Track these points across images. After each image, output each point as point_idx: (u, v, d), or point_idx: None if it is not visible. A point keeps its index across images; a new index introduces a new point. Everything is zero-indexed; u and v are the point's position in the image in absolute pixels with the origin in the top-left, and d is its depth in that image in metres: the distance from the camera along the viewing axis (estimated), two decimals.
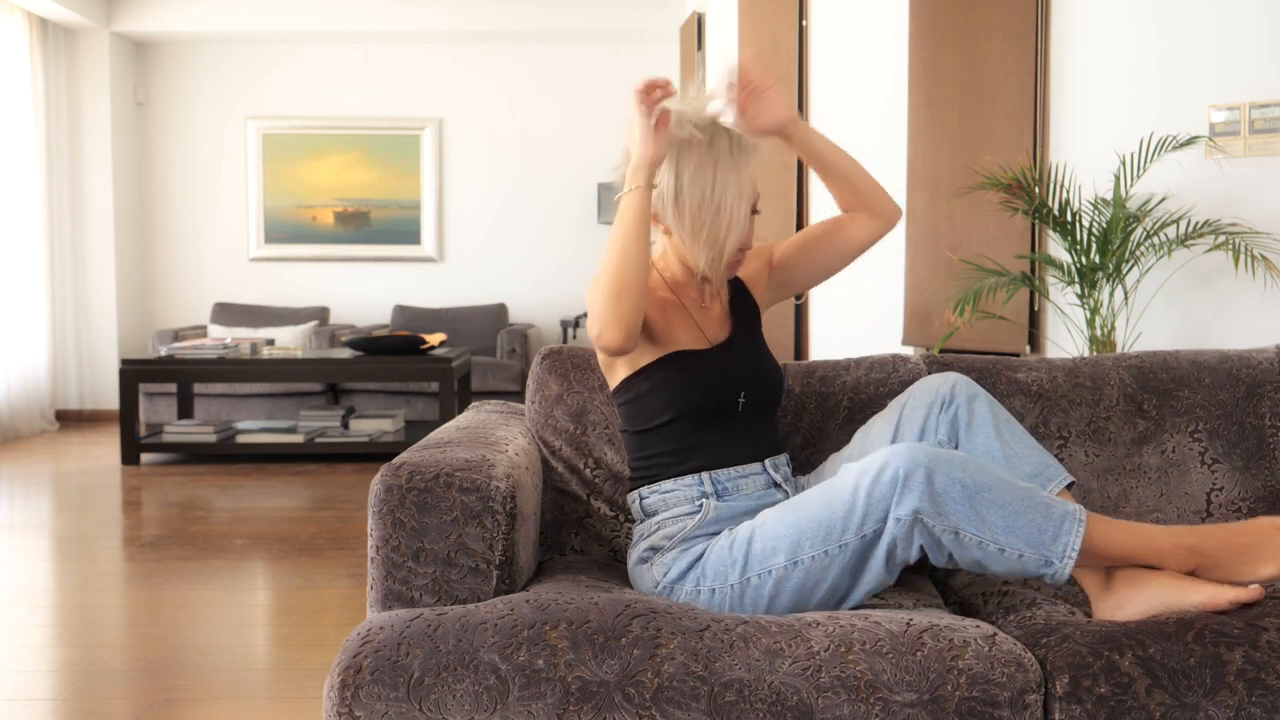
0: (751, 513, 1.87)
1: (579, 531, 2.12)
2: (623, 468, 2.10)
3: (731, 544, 1.78)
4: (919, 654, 1.54)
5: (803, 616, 1.65)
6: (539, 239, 8.32)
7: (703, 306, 2.00)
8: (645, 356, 1.92)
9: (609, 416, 2.12)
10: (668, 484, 1.90)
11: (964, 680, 1.52)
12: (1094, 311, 3.27)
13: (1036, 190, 3.35)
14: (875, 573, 1.70)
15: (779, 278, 2.11)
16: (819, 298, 5.55)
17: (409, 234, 8.29)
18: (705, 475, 1.88)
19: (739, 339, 2.00)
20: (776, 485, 1.92)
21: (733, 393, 1.91)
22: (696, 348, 1.93)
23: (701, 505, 1.86)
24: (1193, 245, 3.17)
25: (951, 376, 1.89)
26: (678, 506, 1.88)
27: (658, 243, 2.01)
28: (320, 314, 7.88)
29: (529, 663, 1.53)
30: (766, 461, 1.93)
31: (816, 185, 5.45)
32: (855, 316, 5.21)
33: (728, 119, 1.95)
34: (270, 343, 6.73)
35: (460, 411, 6.09)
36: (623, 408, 1.97)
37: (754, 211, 1.96)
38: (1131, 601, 1.69)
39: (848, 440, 2.09)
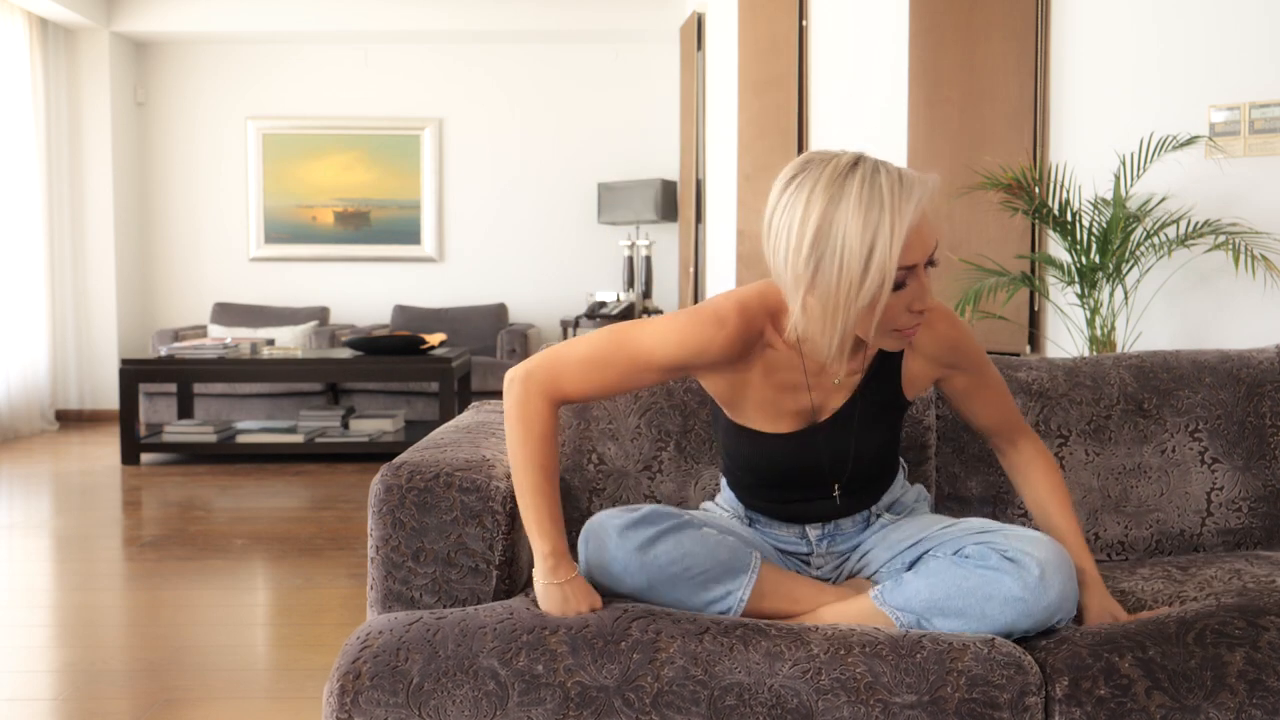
0: (765, 548, 1.84)
1: (580, 529, 2.11)
2: (625, 463, 2.10)
3: None
4: (918, 656, 1.54)
5: (801, 621, 1.65)
6: (539, 239, 8.32)
7: (814, 376, 1.73)
8: (714, 396, 1.77)
9: (611, 411, 2.11)
10: (720, 497, 1.92)
11: (964, 682, 1.52)
12: (1094, 311, 3.27)
13: (1036, 190, 3.35)
14: None
15: (942, 389, 1.87)
16: None
17: (409, 234, 8.29)
18: (742, 507, 1.87)
19: (835, 421, 1.75)
20: (809, 541, 1.84)
21: (779, 479, 1.77)
22: (761, 429, 1.74)
23: (734, 518, 1.88)
24: (1193, 245, 3.17)
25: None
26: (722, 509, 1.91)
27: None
28: (320, 314, 7.88)
29: (528, 668, 1.52)
30: (809, 526, 1.83)
31: None
32: None
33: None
34: (270, 343, 6.73)
35: (460, 411, 6.09)
36: (711, 405, 1.87)
37: (929, 264, 1.57)
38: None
39: None
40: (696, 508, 1.98)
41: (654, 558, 1.62)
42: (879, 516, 1.85)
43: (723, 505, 1.91)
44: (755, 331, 1.67)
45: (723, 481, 1.92)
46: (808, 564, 1.86)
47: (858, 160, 1.55)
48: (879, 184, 1.51)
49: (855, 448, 1.75)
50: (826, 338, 1.58)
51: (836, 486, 1.78)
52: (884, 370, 1.76)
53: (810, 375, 1.72)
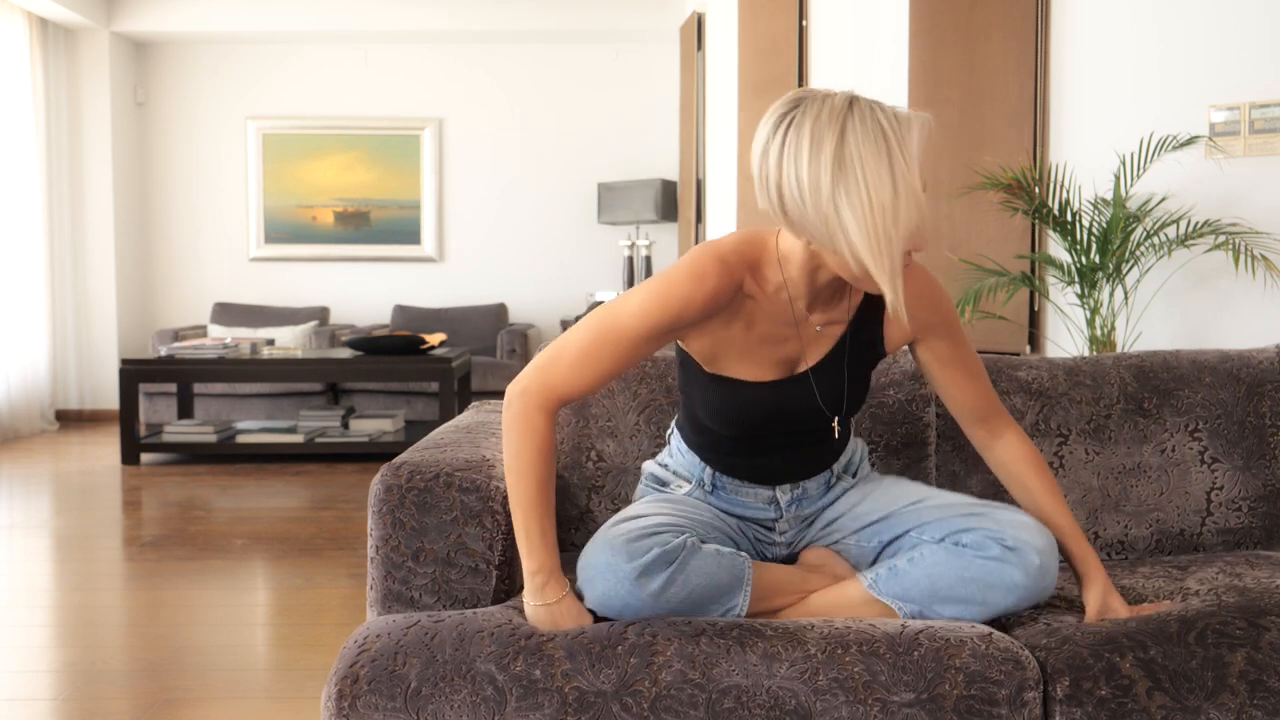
0: (724, 526, 1.80)
1: (579, 527, 2.11)
2: (624, 460, 2.10)
3: None
4: (915, 654, 1.54)
5: (797, 620, 1.64)
6: (539, 239, 8.32)
7: (795, 323, 1.71)
8: (694, 354, 1.73)
9: (610, 409, 2.11)
10: (673, 462, 1.86)
11: (961, 679, 1.51)
12: (1094, 311, 3.27)
13: (1036, 190, 3.35)
14: None
15: (920, 358, 1.83)
16: None
17: (409, 234, 8.29)
18: (708, 471, 1.82)
19: (819, 369, 1.74)
20: (778, 505, 1.82)
21: (761, 428, 1.74)
22: (743, 378, 1.72)
23: (696, 486, 1.84)
24: (1193, 245, 3.17)
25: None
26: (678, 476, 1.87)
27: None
28: (320, 314, 7.88)
29: (526, 673, 1.52)
30: (779, 489, 1.82)
31: None
32: None
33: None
34: (270, 343, 6.73)
35: (460, 411, 6.09)
36: (678, 366, 1.82)
37: None
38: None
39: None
40: (639, 470, 1.94)
41: (666, 600, 1.61)
42: (839, 479, 1.85)
43: (677, 471, 1.86)
44: (735, 284, 1.65)
45: (676, 445, 1.86)
46: (772, 530, 1.84)
47: (852, 99, 1.54)
48: (878, 118, 1.52)
49: (848, 390, 1.76)
50: (882, 274, 1.51)
51: (833, 420, 1.77)
52: (867, 318, 1.76)
53: (798, 324, 1.71)
